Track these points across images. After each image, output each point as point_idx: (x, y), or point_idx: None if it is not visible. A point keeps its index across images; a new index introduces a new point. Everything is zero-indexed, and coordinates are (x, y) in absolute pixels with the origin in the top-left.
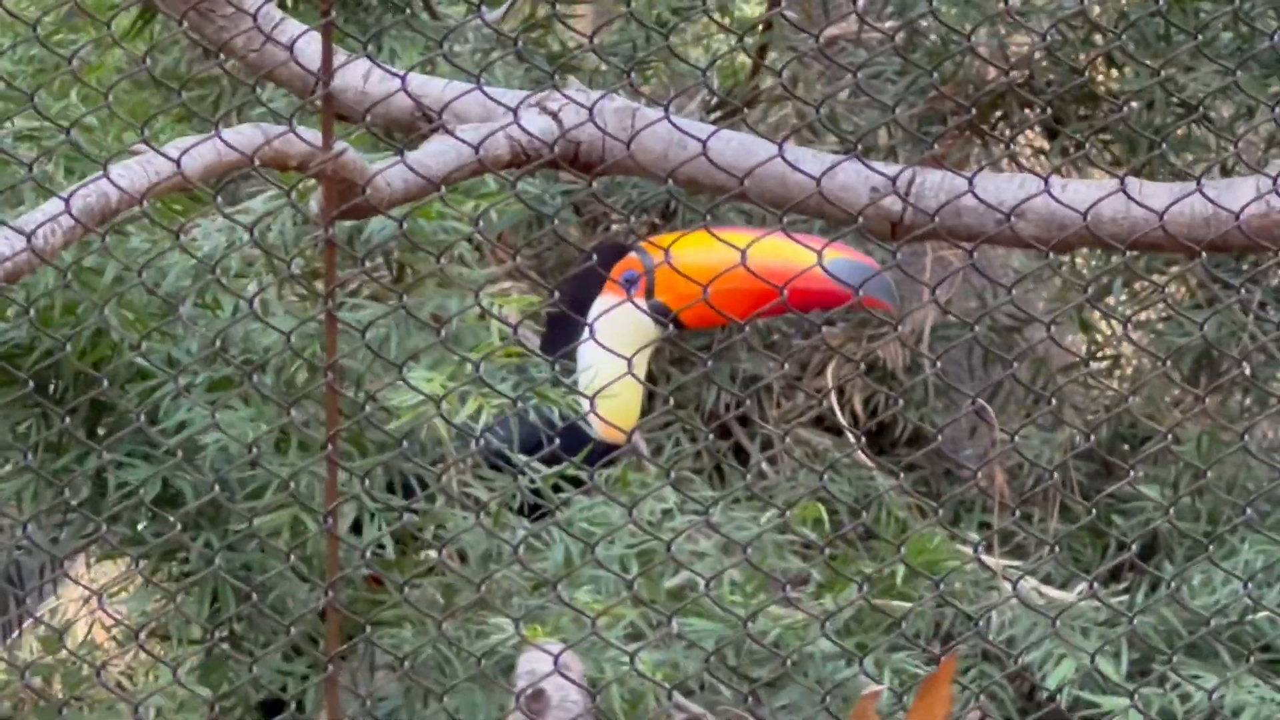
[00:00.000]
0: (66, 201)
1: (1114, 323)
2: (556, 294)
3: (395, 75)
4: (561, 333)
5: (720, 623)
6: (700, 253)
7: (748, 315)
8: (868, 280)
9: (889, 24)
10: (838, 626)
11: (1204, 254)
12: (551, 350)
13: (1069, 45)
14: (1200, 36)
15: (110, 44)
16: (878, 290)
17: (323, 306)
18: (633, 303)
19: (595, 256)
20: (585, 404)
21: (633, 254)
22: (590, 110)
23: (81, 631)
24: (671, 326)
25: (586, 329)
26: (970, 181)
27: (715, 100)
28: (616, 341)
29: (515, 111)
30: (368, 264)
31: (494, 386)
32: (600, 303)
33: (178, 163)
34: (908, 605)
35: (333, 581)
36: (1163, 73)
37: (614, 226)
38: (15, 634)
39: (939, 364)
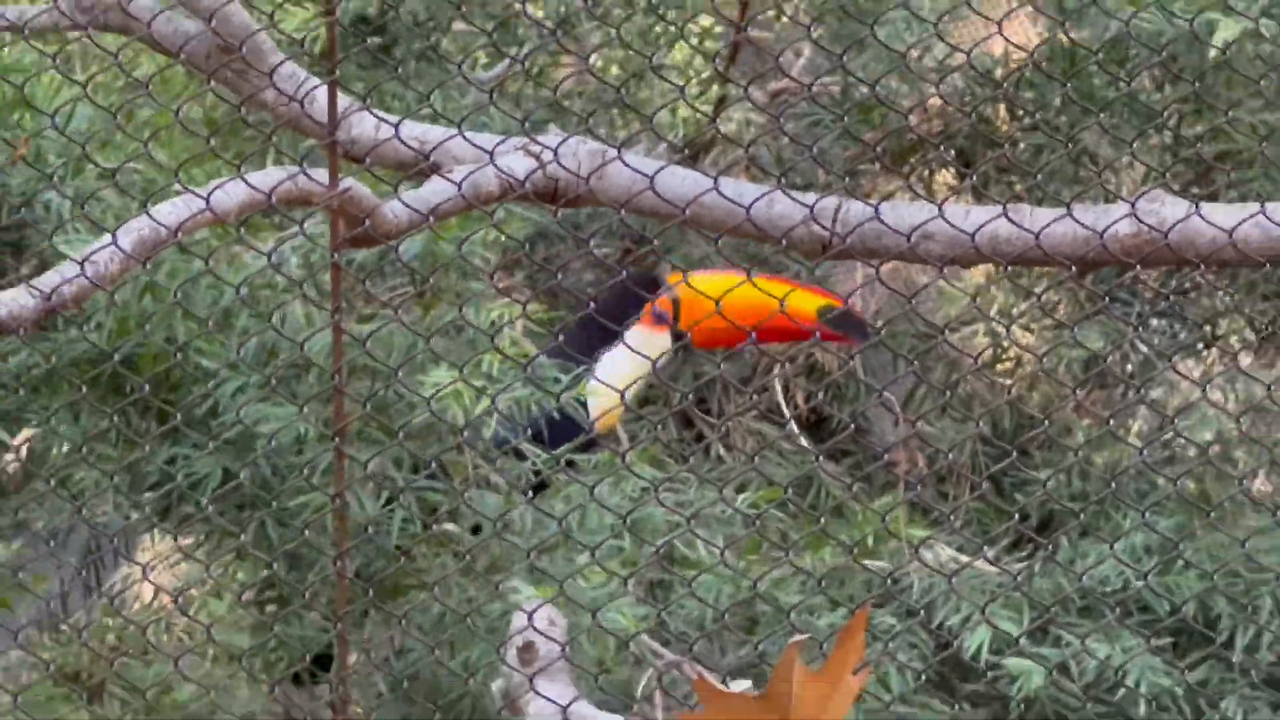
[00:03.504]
0: (114, 237)
1: (1015, 329)
2: (592, 304)
3: (391, 124)
4: (587, 337)
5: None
6: (716, 291)
7: (743, 342)
8: (837, 322)
9: (828, 79)
10: (811, 586)
11: (1094, 270)
12: (576, 346)
13: (976, 99)
14: (1078, 90)
15: (176, 97)
16: (841, 326)
17: (331, 320)
18: (665, 331)
19: (630, 278)
20: (589, 398)
21: (664, 293)
22: (555, 152)
23: (148, 596)
24: (686, 349)
25: (616, 339)
26: (876, 209)
27: (680, 144)
28: (642, 360)
29: (491, 155)
30: (397, 281)
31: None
32: (637, 331)
33: (207, 201)
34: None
35: (342, 553)
36: (1050, 122)
37: (601, 250)
38: (96, 597)
39: (870, 365)
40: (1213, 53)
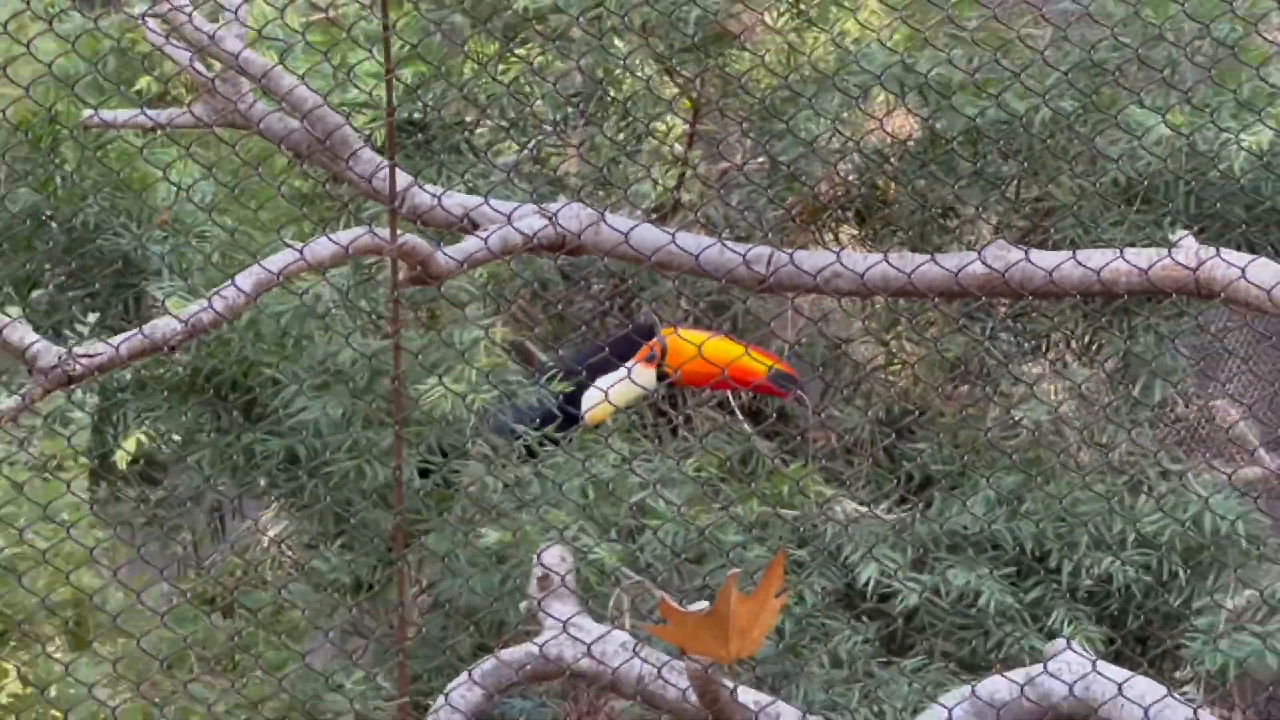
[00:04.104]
0: (233, 283)
1: (902, 340)
2: (605, 345)
3: (436, 196)
4: (589, 356)
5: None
6: (695, 344)
7: (714, 382)
8: (779, 379)
9: (759, 159)
10: (742, 529)
11: (959, 298)
12: (580, 364)
13: (870, 171)
14: (942, 164)
15: (278, 174)
16: (780, 382)
17: (393, 341)
18: (653, 368)
19: (633, 326)
20: (584, 395)
21: (657, 339)
22: (553, 218)
23: (265, 542)
24: (670, 384)
25: (615, 365)
26: (791, 256)
27: (652, 208)
28: (632, 386)
29: (509, 218)
30: (411, 307)
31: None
32: (631, 363)
33: (301, 254)
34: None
35: (399, 510)
36: (923, 187)
37: (594, 286)
38: (222, 545)
39: (798, 369)
40: (1043, 115)
